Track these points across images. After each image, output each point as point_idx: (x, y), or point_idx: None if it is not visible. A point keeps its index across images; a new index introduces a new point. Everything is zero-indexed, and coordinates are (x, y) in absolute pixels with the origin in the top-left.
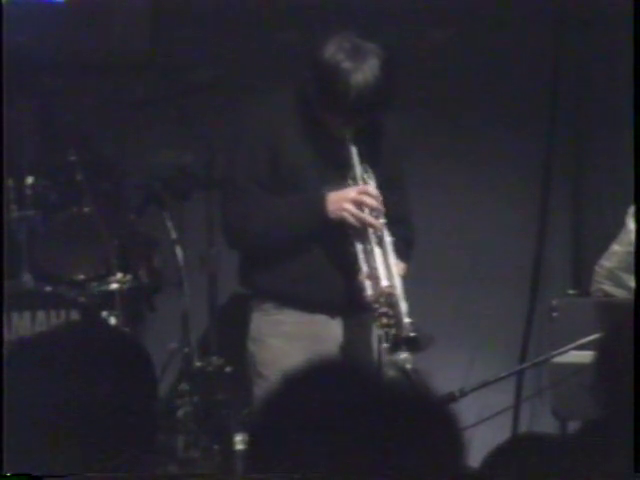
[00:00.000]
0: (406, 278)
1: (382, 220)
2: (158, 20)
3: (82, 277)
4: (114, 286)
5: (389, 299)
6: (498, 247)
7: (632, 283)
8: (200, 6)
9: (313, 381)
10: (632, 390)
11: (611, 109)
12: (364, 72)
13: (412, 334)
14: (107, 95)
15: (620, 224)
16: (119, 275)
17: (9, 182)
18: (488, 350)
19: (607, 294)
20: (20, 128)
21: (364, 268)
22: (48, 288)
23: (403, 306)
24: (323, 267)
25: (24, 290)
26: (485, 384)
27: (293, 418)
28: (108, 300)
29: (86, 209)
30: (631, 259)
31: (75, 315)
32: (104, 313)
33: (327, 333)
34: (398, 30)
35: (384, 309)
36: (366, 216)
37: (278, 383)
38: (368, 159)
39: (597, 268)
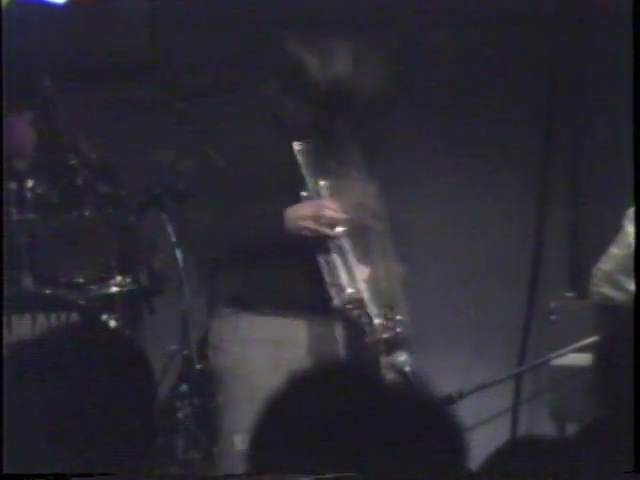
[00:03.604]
0: (369, 282)
1: (340, 228)
2: (157, 23)
3: (82, 280)
4: (114, 289)
5: (356, 305)
6: (496, 249)
7: (630, 286)
8: (199, 9)
9: (311, 384)
10: (631, 392)
11: (610, 110)
12: (334, 67)
13: (385, 336)
14: (107, 97)
15: (618, 227)
16: (119, 278)
17: (10, 185)
18: (486, 352)
19: (605, 297)
20: (20, 130)
21: (327, 278)
22: (48, 291)
23: (372, 310)
24: (284, 272)
25: (24, 293)
26: (484, 386)
27: (292, 420)
28: (108, 303)
29: (86, 212)
30: (629, 262)
31: (75, 317)
32: (104, 316)
33: (291, 338)
34: (398, 30)
35: (354, 314)
36: (323, 229)
37: (279, 385)
38: (323, 169)
39: (595, 271)
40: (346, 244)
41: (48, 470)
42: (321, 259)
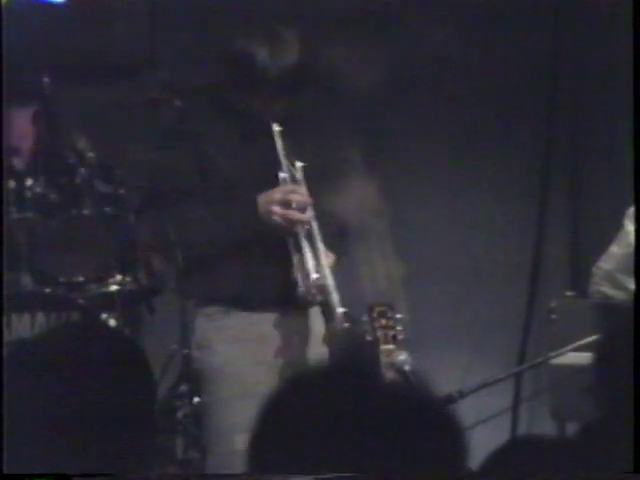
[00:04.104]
0: (334, 269)
1: (309, 213)
2: (157, 21)
3: (81, 279)
4: (113, 288)
5: (320, 291)
6: (496, 249)
7: (630, 285)
8: (199, 7)
9: (310, 383)
10: (631, 391)
11: (610, 110)
12: (281, 54)
13: (346, 324)
14: (107, 97)
15: (618, 226)
16: (118, 277)
17: (9, 184)
18: (486, 352)
19: (605, 296)
20: (19, 129)
21: (295, 262)
22: (48, 290)
23: (335, 298)
24: (262, 267)
25: (24, 292)
26: (484, 386)
27: (292, 420)
28: (107, 302)
29: (85, 211)
30: (629, 261)
31: (74, 317)
32: (103, 315)
33: (272, 334)
34: (399, 30)
35: (318, 300)
36: (292, 213)
37: (279, 384)
38: (296, 153)
39: (595, 270)
40: (315, 229)
41: (48, 470)
42: (290, 243)
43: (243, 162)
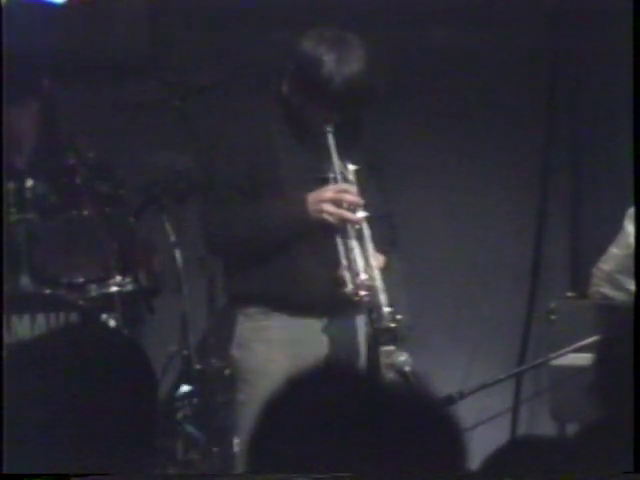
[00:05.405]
0: (384, 271)
1: (361, 214)
2: (157, 22)
3: (81, 280)
4: (113, 289)
5: (369, 291)
6: (496, 249)
7: (631, 286)
8: (199, 8)
9: (310, 384)
10: (631, 392)
11: (610, 111)
12: (348, 63)
13: (392, 325)
14: (106, 97)
15: (618, 227)
16: (118, 278)
17: (9, 185)
18: (487, 353)
19: (605, 297)
20: (19, 130)
21: (344, 262)
22: (47, 291)
23: (382, 298)
24: (308, 269)
25: (24, 293)
26: (484, 387)
27: (292, 420)
28: (107, 303)
29: (85, 212)
30: (629, 262)
31: (74, 318)
32: (103, 316)
33: (312, 337)
34: (399, 30)
35: (365, 301)
36: (344, 212)
37: (279, 385)
38: (347, 154)
39: (595, 271)
40: (366, 230)
41: (48, 470)
42: (339, 243)
43: (293, 161)
